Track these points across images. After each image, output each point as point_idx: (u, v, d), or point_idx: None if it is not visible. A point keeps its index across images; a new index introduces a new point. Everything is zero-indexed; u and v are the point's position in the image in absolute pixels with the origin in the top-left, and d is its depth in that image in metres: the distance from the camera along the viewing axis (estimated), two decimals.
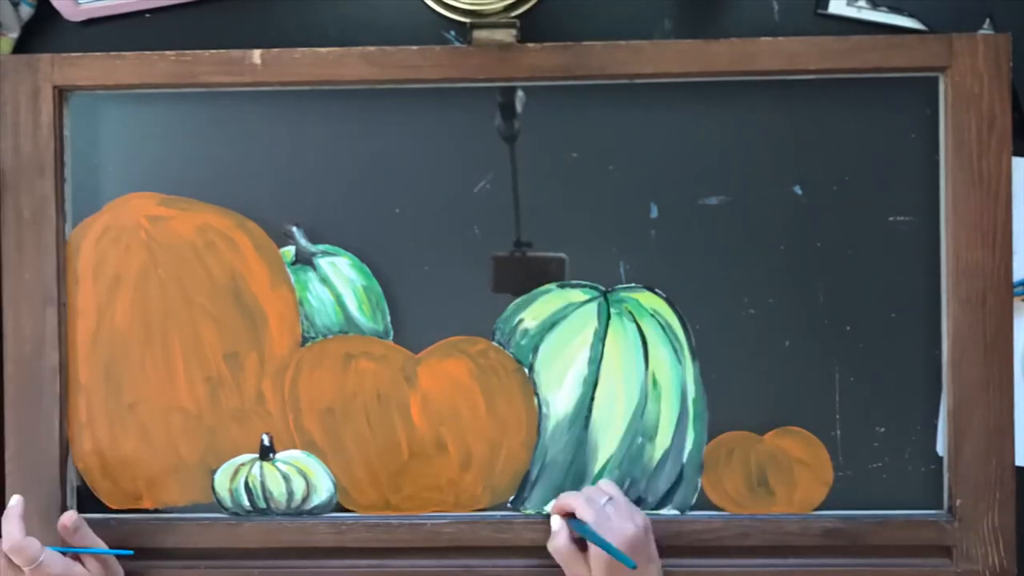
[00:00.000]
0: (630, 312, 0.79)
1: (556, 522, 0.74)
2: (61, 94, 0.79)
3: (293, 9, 0.80)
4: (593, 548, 0.71)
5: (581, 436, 0.79)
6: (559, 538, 0.73)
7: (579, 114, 0.78)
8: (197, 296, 0.79)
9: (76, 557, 0.73)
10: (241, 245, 0.79)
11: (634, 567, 0.69)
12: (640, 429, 0.79)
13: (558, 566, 0.74)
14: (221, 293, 0.79)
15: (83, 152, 0.80)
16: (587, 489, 0.76)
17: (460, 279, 0.79)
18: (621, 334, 0.79)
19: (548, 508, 0.78)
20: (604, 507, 0.72)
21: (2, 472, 0.79)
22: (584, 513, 0.72)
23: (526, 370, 0.79)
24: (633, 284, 0.79)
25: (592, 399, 0.79)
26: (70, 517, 0.73)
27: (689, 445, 0.79)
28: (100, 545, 0.74)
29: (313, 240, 0.79)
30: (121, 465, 0.80)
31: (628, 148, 0.78)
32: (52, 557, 0.70)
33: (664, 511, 0.79)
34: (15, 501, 0.72)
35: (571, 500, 0.73)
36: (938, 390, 0.78)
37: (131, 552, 0.76)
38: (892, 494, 0.78)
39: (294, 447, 0.80)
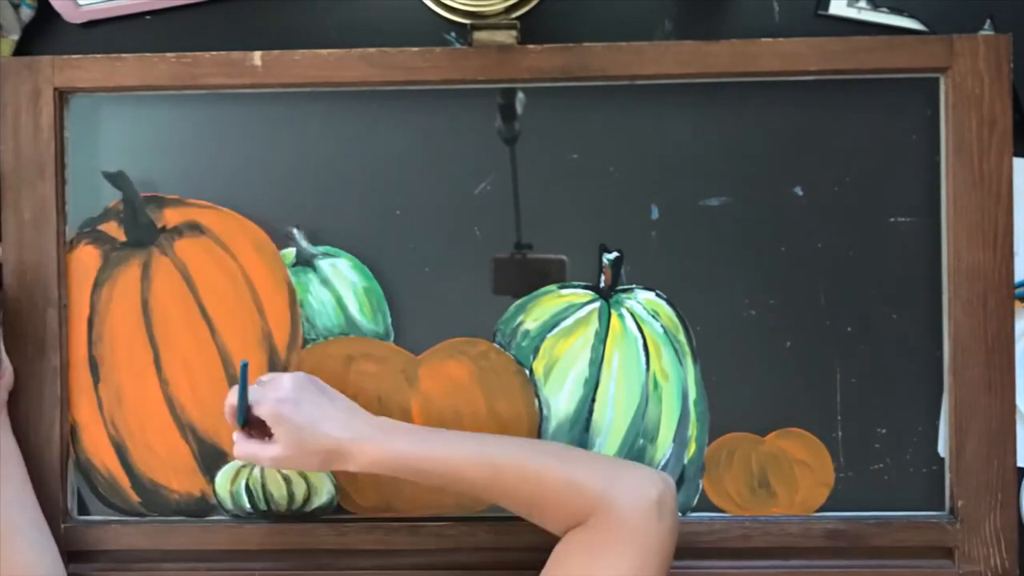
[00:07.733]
0: (631, 313, 0.79)
1: (235, 435, 0.73)
2: (62, 96, 0.79)
3: (293, 11, 0.80)
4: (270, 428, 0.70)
5: (582, 438, 0.79)
6: (238, 444, 0.72)
7: (579, 115, 0.78)
8: (198, 298, 0.79)
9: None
10: (242, 247, 0.79)
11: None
12: (641, 430, 0.79)
13: None
14: (222, 295, 0.79)
15: (84, 154, 0.80)
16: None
17: (461, 281, 0.79)
18: (622, 335, 0.79)
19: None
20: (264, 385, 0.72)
21: None
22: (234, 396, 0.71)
23: (527, 371, 0.79)
24: (634, 285, 0.79)
25: (593, 400, 0.79)
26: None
27: (690, 446, 0.79)
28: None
29: (314, 242, 0.79)
30: (122, 466, 0.80)
31: (629, 149, 0.78)
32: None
33: None
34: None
35: (229, 397, 0.72)
36: (939, 391, 0.78)
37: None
38: (893, 495, 0.78)
39: None
